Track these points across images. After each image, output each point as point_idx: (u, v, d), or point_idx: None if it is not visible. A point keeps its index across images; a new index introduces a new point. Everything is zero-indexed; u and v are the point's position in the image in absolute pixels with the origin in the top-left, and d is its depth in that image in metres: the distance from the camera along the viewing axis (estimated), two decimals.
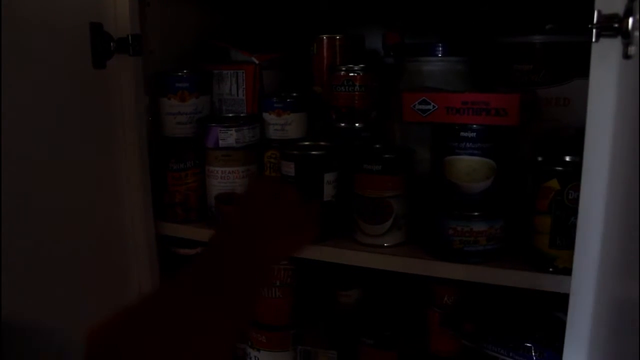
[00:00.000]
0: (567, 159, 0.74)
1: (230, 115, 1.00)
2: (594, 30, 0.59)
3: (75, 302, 0.87)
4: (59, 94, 0.82)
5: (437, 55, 0.88)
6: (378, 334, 0.95)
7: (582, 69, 0.67)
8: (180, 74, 0.97)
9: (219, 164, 0.94)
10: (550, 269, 0.74)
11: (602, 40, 0.59)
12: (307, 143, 0.90)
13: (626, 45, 0.57)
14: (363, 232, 0.86)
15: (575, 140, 0.73)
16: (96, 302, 0.97)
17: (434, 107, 0.77)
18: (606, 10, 0.58)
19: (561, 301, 0.72)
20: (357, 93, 0.90)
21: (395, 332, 0.96)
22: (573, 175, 0.69)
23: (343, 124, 0.92)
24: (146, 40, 0.95)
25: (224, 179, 0.94)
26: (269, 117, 0.95)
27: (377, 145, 0.89)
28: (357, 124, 0.91)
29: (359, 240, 0.86)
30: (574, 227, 0.69)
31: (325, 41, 0.98)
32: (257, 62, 0.99)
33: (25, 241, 0.78)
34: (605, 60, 0.60)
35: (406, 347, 0.96)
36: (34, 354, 0.78)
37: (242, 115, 0.99)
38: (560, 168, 0.72)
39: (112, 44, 0.89)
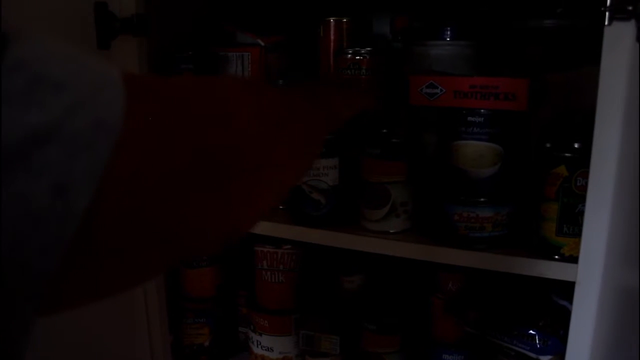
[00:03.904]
0: (576, 145, 0.73)
1: None
2: (607, 13, 0.58)
3: None
4: None
5: (445, 39, 0.87)
6: (381, 319, 0.94)
7: (592, 54, 0.66)
8: (185, 55, 0.96)
9: None
10: (557, 257, 0.73)
11: (615, 23, 0.58)
12: None
13: None
14: (364, 217, 0.85)
15: (583, 125, 0.72)
16: None
17: (441, 90, 0.76)
18: None
19: (566, 289, 0.72)
20: (363, 76, 0.88)
21: (398, 318, 0.95)
22: (582, 162, 0.68)
23: None
24: (151, 20, 0.94)
25: None
26: None
27: (384, 130, 0.87)
28: None
29: (363, 226, 0.86)
30: (581, 214, 0.69)
31: (332, 24, 0.97)
32: (263, 44, 0.98)
33: None
34: (617, 44, 0.59)
35: (409, 334, 0.95)
36: None
37: None
38: (568, 154, 0.71)
39: (116, 24, 0.88)
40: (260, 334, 1.00)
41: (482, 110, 0.75)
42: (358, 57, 0.88)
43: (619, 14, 0.58)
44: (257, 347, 1.01)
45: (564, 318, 0.74)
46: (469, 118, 0.75)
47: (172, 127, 0.29)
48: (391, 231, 0.84)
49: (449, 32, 0.87)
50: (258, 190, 0.38)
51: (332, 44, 0.97)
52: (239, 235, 0.39)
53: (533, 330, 0.80)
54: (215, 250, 0.38)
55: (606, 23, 0.59)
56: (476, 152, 0.76)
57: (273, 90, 0.52)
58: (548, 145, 0.74)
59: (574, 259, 0.69)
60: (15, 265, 0.22)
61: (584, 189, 0.67)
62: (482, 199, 0.77)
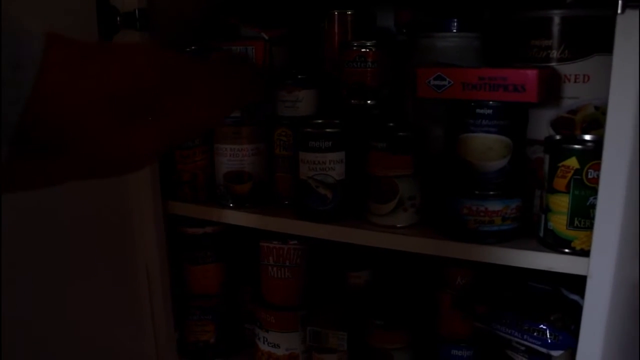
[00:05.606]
0: (587, 137, 0.72)
1: None
2: (620, 1, 0.57)
3: (80, 280, 0.86)
4: None
5: (451, 31, 0.86)
6: (388, 315, 0.94)
7: (603, 44, 0.65)
8: (188, 50, 0.95)
9: (227, 141, 0.93)
10: (567, 250, 0.72)
11: (628, 11, 0.57)
12: (318, 121, 0.88)
13: None
14: (371, 212, 0.85)
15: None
16: (102, 281, 0.97)
17: (449, 82, 0.75)
18: None
19: (576, 283, 0.71)
20: (369, 69, 0.87)
21: (406, 313, 0.95)
22: (593, 154, 0.67)
23: (354, 101, 0.90)
24: (154, 15, 0.93)
25: (233, 156, 0.93)
26: (279, 93, 0.93)
27: (391, 124, 0.86)
28: (368, 101, 0.89)
29: (370, 221, 0.85)
30: (592, 207, 0.68)
31: (336, 17, 0.96)
32: (267, 38, 0.97)
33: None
34: (631, 32, 0.58)
35: (417, 329, 0.94)
36: None
37: None
38: (579, 146, 0.70)
39: (118, 18, 0.87)
40: (267, 331, 0.99)
41: (490, 102, 0.74)
42: (364, 50, 0.87)
43: (632, 1, 0.57)
44: (264, 343, 1.00)
45: (575, 312, 0.73)
46: (478, 110, 0.74)
47: (89, 65, 0.40)
48: (398, 225, 0.83)
49: (455, 24, 0.86)
50: (157, 126, 0.47)
51: (336, 36, 0.96)
52: (142, 163, 0.49)
53: (544, 325, 0.79)
54: (120, 172, 0.48)
55: (619, 11, 0.57)
56: (485, 144, 0.75)
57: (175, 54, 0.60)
58: (558, 137, 0.73)
59: (585, 253, 0.69)
60: None
61: (595, 181, 0.66)
62: (491, 192, 0.76)
